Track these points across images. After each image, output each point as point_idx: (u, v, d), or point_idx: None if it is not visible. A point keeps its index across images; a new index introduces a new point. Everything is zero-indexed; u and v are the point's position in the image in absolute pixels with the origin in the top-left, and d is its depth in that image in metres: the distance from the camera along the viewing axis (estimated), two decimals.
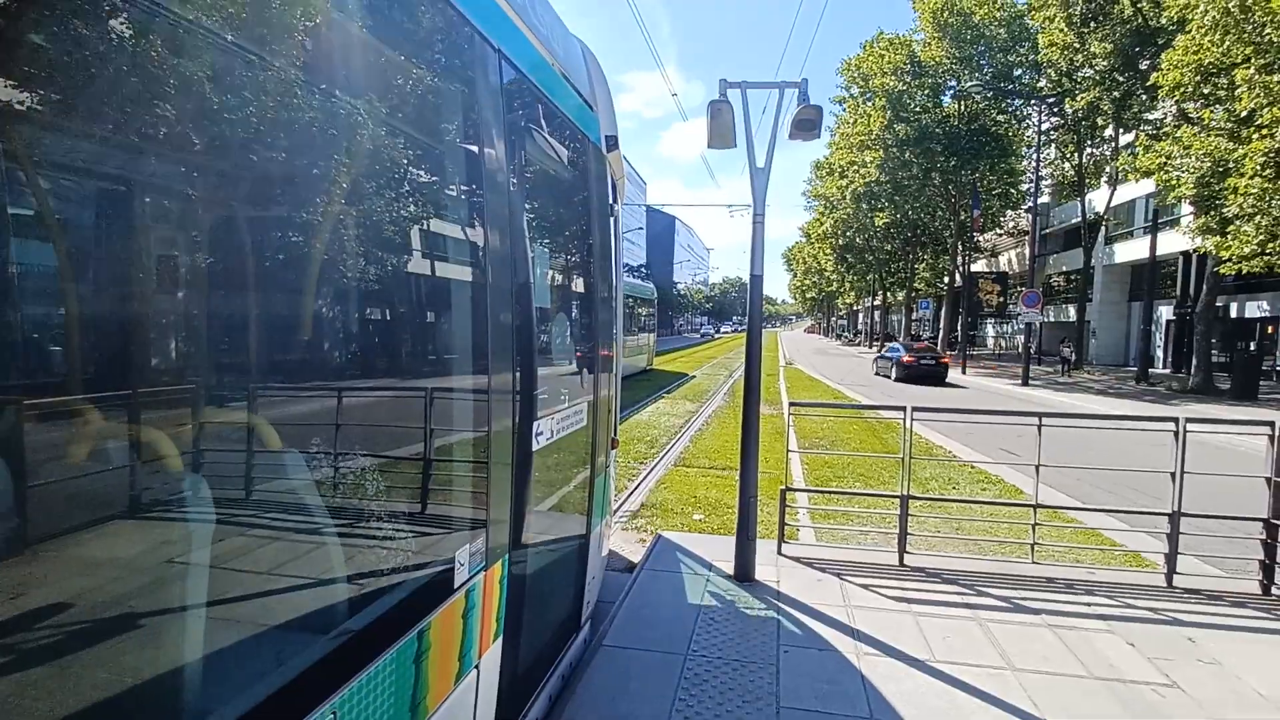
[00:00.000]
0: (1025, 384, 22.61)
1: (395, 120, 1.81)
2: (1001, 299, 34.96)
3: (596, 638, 3.92)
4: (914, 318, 47.29)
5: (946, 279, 36.50)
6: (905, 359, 23.44)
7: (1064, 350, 27.72)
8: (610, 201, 3.90)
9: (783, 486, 5.61)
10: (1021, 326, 26.78)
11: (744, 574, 4.80)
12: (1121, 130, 26.01)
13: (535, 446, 2.55)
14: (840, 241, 44.99)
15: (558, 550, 3.25)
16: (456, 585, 1.99)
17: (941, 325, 35.60)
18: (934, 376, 23.05)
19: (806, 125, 4.42)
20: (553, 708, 3.22)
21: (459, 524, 2.12)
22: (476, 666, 2.19)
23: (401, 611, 1.73)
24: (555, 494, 3.13)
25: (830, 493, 6.98)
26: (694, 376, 24.73)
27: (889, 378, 24.21)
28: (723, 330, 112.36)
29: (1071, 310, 33.12)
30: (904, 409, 5.27)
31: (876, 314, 59.13)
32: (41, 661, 0.99)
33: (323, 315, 1.62)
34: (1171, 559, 4.83)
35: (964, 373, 27.32)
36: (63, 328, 1.02)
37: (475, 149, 2.17)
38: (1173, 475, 4.84)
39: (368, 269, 1.75)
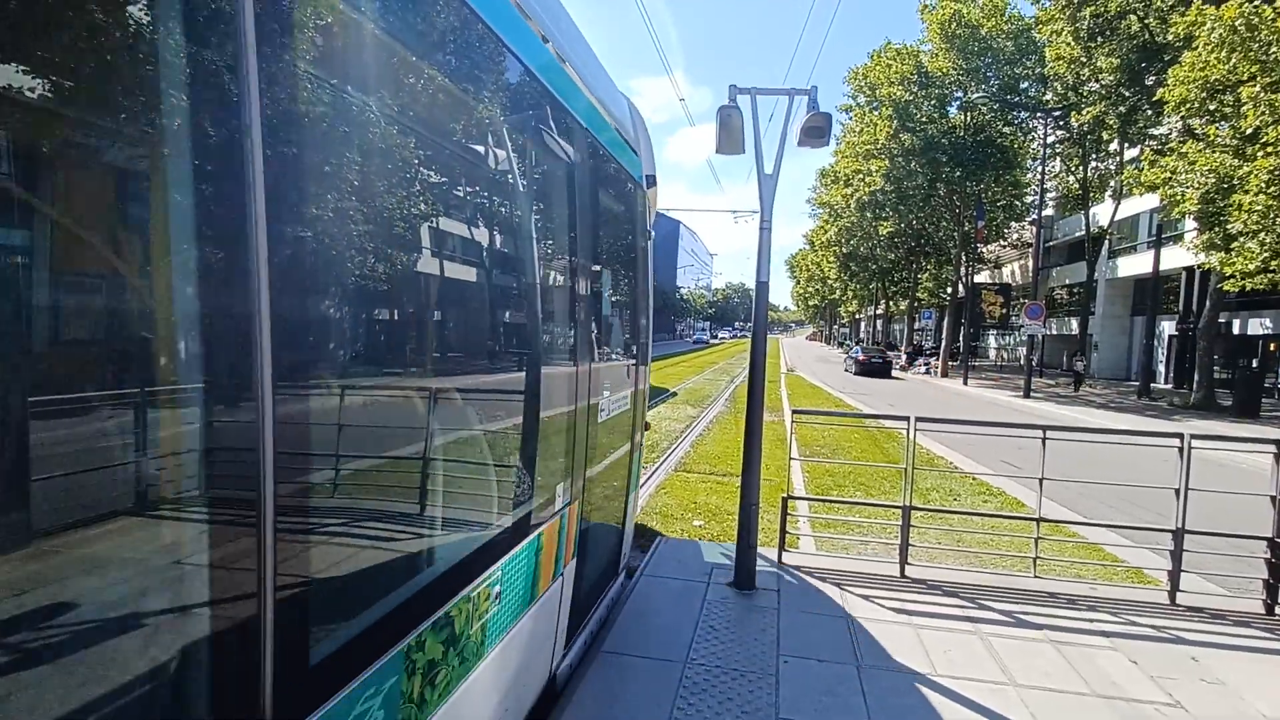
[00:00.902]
0: (1027, 396, 22.56)
1: (524, 182, 2.65)
2: (1004, 310, 34.92)
3: (596, 643, 3.90)
4: (916, 327, 47.25)
5: (950, 289, 36.48)
6: (860, 358, 32.07)
7: (1076, 364, 27.03)
8: (648, 227, 4.73)
9: (784, 494, 5.59)
10: (1024, 339, 26.75)
11: (744, 582, 4.77)
12: (1126, 145, 26.00)
13: (600, 420, 3.56)
14: (844, 249, 44.92)
15: (609, 502, 4.15)
16: (556, 510, 2.94)
17: (944, 335, 35.53)
18: (881, 371, 30.92)
19: (815, 132, 4.41)
20: (592, 641, 3.95)
21: (558, 469, 2.97)
22: (561, 574, 3.12)
23: (530, 520, 2.61)
24: (609, 459, 3.96)
25: (832, 502, 6.95)
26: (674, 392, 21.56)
27: (851, 372, 31.96)
28: (720, 335, 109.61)
29: (1074, 323, 33.08)
30: (908, 419, 5.25)
31: (879, 323, 59.09)
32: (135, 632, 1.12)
33: (490, 324, 2.68)
34: (1175, 576, 4.80)
35: (965, 384, 27.28)
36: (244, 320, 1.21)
37: (570, 202, 3.03)
38: (1177, 491, 4.81)
39: (512, 288, 2.72)
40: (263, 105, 1.17)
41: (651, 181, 4.62)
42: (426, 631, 1.84)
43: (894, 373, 33.20)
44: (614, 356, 4.13)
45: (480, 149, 2.42)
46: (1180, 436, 4.83)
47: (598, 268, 3.61)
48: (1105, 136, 25.52)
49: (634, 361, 4.48)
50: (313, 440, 1.44)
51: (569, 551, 3.21)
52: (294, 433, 1.35)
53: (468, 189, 2.47)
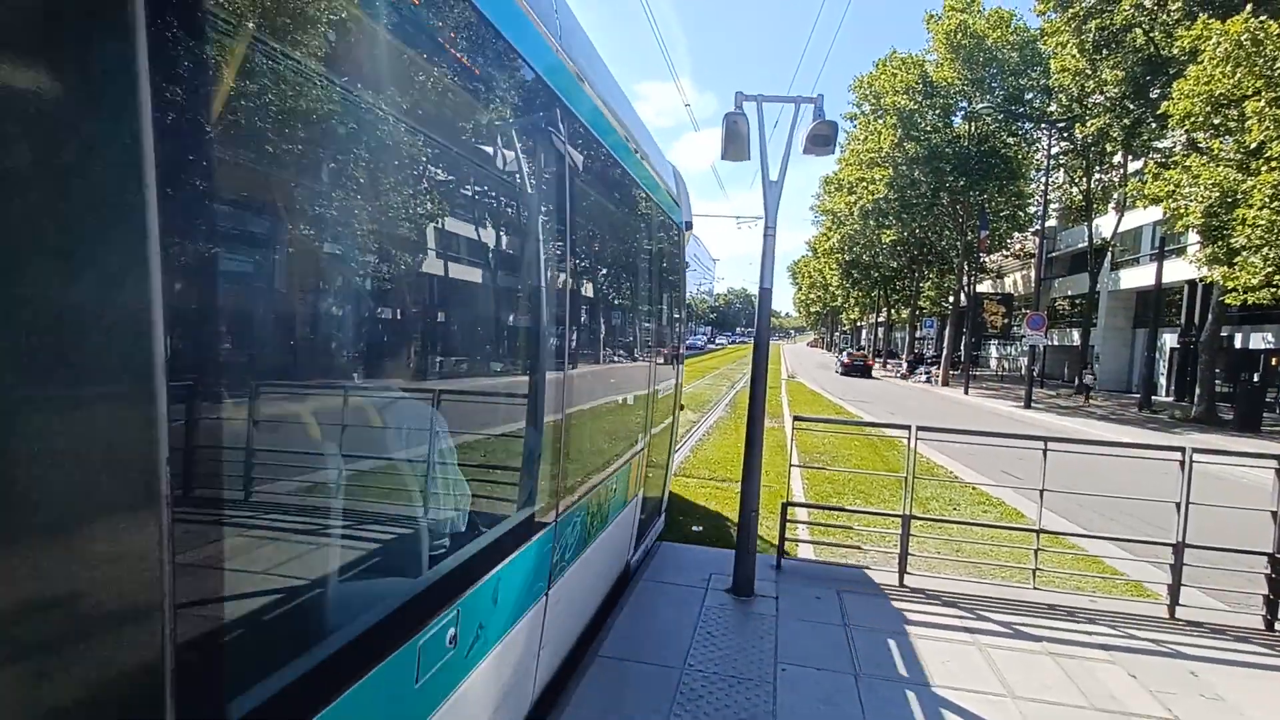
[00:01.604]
0: (1028, 406, 22.55)
1: (616, 233, 4.16)
2: (1006, 320, 34.90)
3: (593, 647, 3.88)
4: (918, 336, 47.25)
5: (952, 298, 36.50)
6: (845, 361, 39.44)
7: (1085, 377, 26.59)
8: (684, 259, 6.45)
9: (784, 501, 5.58)
10: (1025, 349, 26.73)
11: (743, 588, 4.75)
12: (1130, 157, 26.02)
13: (659, 397, 5.23)
14: (847, 257, 44.98)
15: (659, 455, 5.64)
16: (637, 450, 4.51)
17: (945, 344, 35.53)
18: (862, 371, 37.76)
19: (821, 141, 4.41)
20: (639, 567, 5.25)
21: (640, 424, 4.65)
22: (636, 497, 4.70)
23: (629, 453, 4.22)
24: (662, 424, 5.58)
25: (832, 509, 6.93)
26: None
27: (838, 372, 38.75)
28: (718, 341, 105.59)
29: (1075, 334, 33.08)
30: (909, 428, 5.25)
31: (880, 331, 59.08)
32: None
33: (612, 331, 4.08)
34: (1174, 590, 4.78)
35: (966, 393, 27.26)
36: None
37: (646, 247, 4.80)
38: (1178, 505, 4.80)
39: (625, 306, 4.41)
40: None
41: (689, 226, 6.20)
42: (599, 489, 3.59)
43: (897, 381, 34.48)
44: (666, 355, 5.86)
45: (606, 218, 3.90)
46: (1182, 450, 4.82)
47: (659, 290, 5.47)
48: (1109, 149, 25.55)
49: (676, 359, 6.23)
50: (514, 397, 2.60)
51: (640, 481, 4.86)
52: (455, 403, 2.24)
53: (601, 242, 3.92)
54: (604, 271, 4.10)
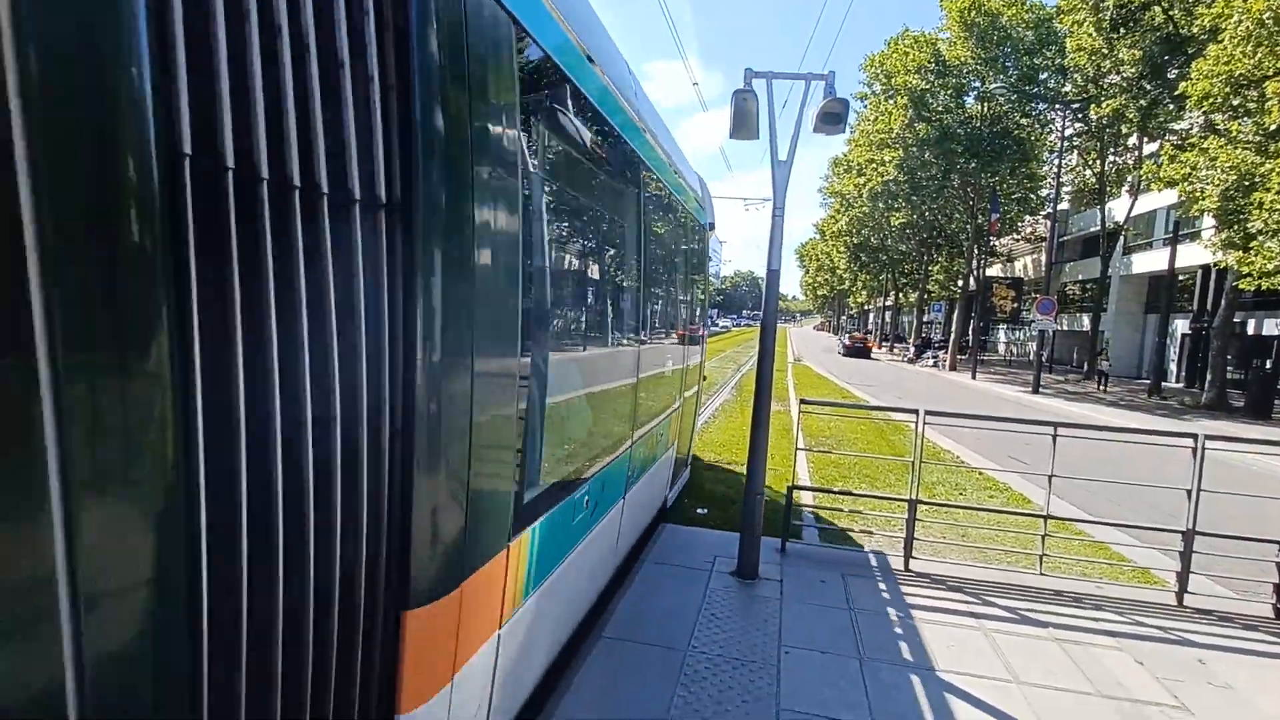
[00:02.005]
0: (1036, 392, 22.42)
1: (666, 238, 5.42)
2: (1015, 305, 34.57)
3: (597, 629, 3.88)
4: (925, 320, 46.93)
5: (961, 282, 36.18)
6: (847, 343, 42.83)
7: (1101, 364, 25.89)
8: (709, 255, 8.10)
9: (789, 484, 5.55)
10: (1034, 334, 26.51)
11: (747, 571, 4.75)
12: (1146, 139, 25.59)
13: (690, 365, 6.59)
14: (855, 240, 44.60)
15: (687, 415, 6.84)
16: (675, 407, 5.79)
17: (953, 329, 35.27)
18: (863, 353, 40.30)
19: (832, 119, 4.31)
20: (672, 506, 6.46)
21: (678, 385, 5.92)
22: (672, 445, 5.79)
23: (672, 406, 5.61)
24: (692, 388, 7.03)
25: (837, 493, 6.91)
26: None
27: (840, 353, 41.88)
28: (719, 323, 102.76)
29: (1085, 320, 32.80)
30: (916, 412, 5.19)
31: (888, 314, 58.73)
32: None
33: (667, 314, 5.64)
34: (1183, 577, 4.74)
35: (974, 378, 27.12)
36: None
37: (685, 246, 6.21)
38: (1188, 492, 4.74)
39: (674, 296, 6.06)
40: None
41: (712, 227, 7.64)
42: (653, 430, 4.72)
43: (903, 365, 34.44)
44: (696, 334, 7.22)
45: (662, 229, 5.15)
46: (1195, 437, 4.76)
47: (693, 280, 6.97)
48: (1124, 130, 25.15)
49: (700, 339, 7.55)
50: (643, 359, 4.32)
51: (676, 434, 6.04)
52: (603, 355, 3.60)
53: (653, 245, 4.78)
54: (658, 267, 5.09)
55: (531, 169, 2.39)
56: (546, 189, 2.67)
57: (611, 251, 3.89)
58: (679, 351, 6.01)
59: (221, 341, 1.20)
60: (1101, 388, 24.77)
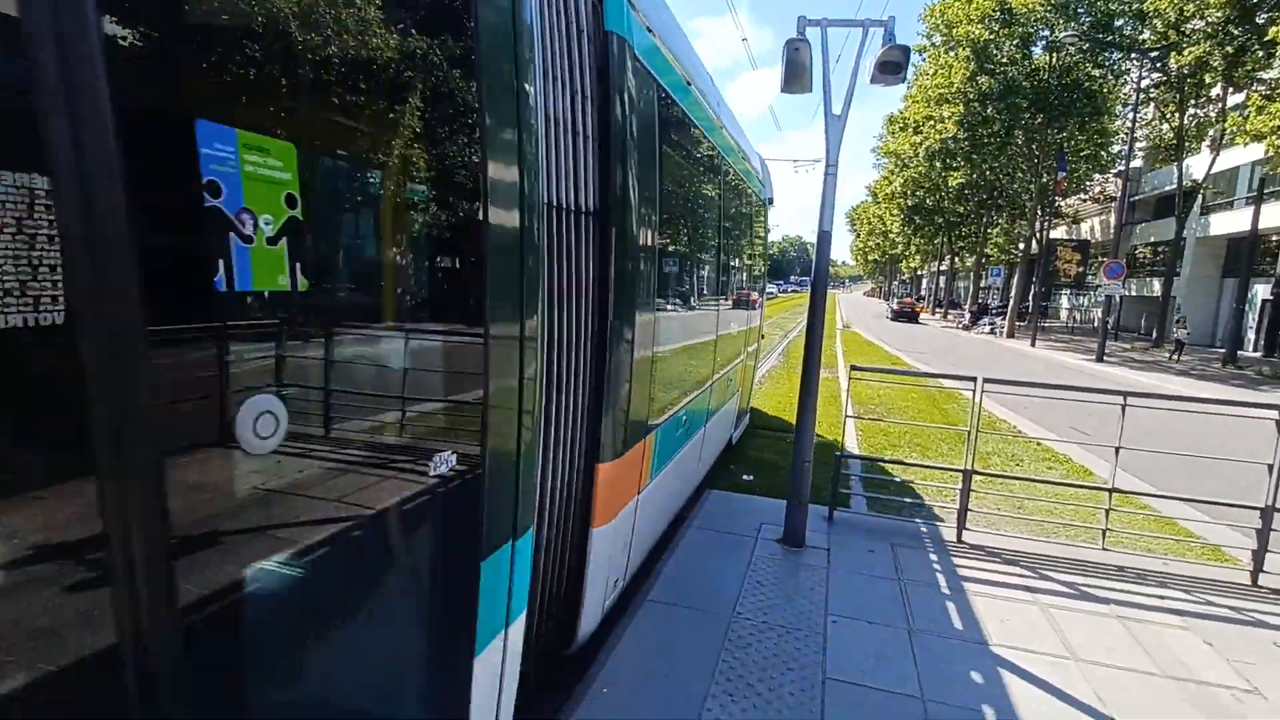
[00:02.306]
0: (1100, 360, 21.43)
1: (738, 215, 6.40)
2: (1081, 269, 32.85)
3: (641, 591, 3.91)
4: (982, 285, 45.16)
5: (1022, 245, 34.52)
6: (895, 307, 44.75)
7: (1178, 332, 23.67)
8: (768, 226, 9.10)
9: (838, 452, 5.44)
10: (1100, 299, 25.20)
11: (794, 539, 4.70)
12: (1231, 89, 23.61)
13: (752, 324, 7.79)
14: (909, 202, 42.89)
15: (749, 369, 7.91)
16: (741, 359, 6.91)
17: (1012, 294, 33.82)
18: (910, 318, 42.19)
19: (891, 68, 4.07)
20: (736, 445, 7.68)
21: (744, 343, 7.07)
22: (737, 392, 6.92)
23: (738, 359, 6.76)
24: (753, 345, 8.09)
25: (887, 462, 6.75)
26: None
27: (888, 318, 43.70)
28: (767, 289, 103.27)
29: (1156, 284, 31.01)
30: (974, 379, 4.99)
31: (942, 279, 56.71)
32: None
33: (743, 281, 7.00)
34: (1259, 556, 4.49)
35: (1033, 345, 26.07)
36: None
37: (751, 219, 7.26)
38: (1270, 467, 4.46)
39: (735, 264, 6.49)
40: None
41: (770, 202, 8.69)
42: (723, 377, 5.76)
43: (958, 332, 33.42)
44: (757, 298, 8.23)
45: (737, 208, 6.20)
46: (1279, 409, 4.44)
47: (757, 249, 8.09)
48: (1207, 80, 23.17)
49: (761, 302, 8.67)
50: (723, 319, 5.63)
51: (740, 382, 7.09)
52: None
53: (730, 225, 5.90)
54: (733, 243, 6.20)
55: (665, 183, 3.46)
56: (672, 194, 3.75)
57: (706, 233, 5.06)
58: (745, 314, 7.07)
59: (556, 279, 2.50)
60: (1174, 357, 23.21)
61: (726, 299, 5.91)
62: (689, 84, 3.92)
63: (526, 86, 1.85)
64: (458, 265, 1.76)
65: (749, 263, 7.44)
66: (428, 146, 1.55)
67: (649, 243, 3.15)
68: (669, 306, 3.85)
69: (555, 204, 2.43)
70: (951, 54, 28.76)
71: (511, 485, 1.93)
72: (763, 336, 9.38)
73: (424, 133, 1.52)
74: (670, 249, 3.79)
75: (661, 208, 3.38)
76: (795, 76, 4.25)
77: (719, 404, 5.81)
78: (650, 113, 3.12)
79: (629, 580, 3.81)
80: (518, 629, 2.07)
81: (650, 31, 3.17)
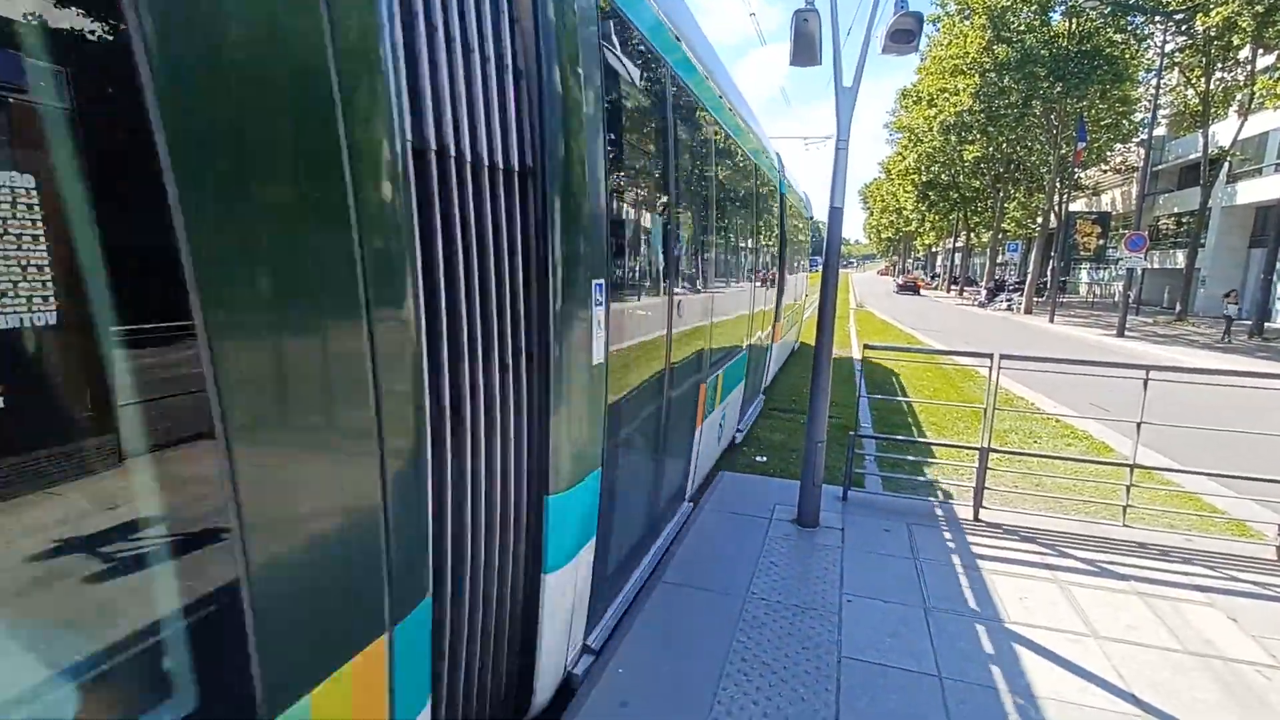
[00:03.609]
0: (1121, 335, 21.06)
1: (772, 211, 8.50)
2: (1101, 242, 32.19)
3: (655, 574, 3.91)
4: (999, 261, 44.44)
5: (1040, 219, 33.87)
6: (900, 281, 52.34)
7: (1228, 308, 21.33)
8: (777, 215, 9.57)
9: (852, 432, 5.39)
10: (1121, 272, 24.68)
11: (808, 519, 4.67)
12: (1261, 51, 22.86)
13: (790, 303, 10.86)
14: (923, 177, 42.14)
15: (775, 335, 9.14)
16: (770, 320, 8.60)
17: (1030, 270, 33.24)
18: (913, 290, 48.38)
19: (903, 36, 3.95)
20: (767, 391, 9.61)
21: (771, 313, 8.60)
22: (769, 348, 8.86)
23: (770, 322, 8.58)
24: (784, 319, 10.12)
25: (902, 441, 6.69)
26: None
27: (894, 291, 49.02)
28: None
29: (1180, 256, 30.34)
30: (990, 356, 4.91)
31: (957, 256, 55.88)
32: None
33: (772, 263, 8.64)
34: None
35: (1052, 321, 25.68)
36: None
37: (777, 214, 9.02)
38: None
39: (753, 248, 7.34)
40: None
41: (812, 218, 13.26)
42: (759, 338, 7.46)
43: (973, 309, 33.20)
44: (789, 275, 10.05)
45: (766, 219, 7.97)
46: None
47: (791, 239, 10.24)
48: (1236, 41, 22.43)
49: (795, 277, 11.38)
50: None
51: (776, 334, 9.10)
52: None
53: (774, 223, 8.70)
54: (728, 215, 6.25)
55: (626, 138, 3.04)
56: (635, 153, 3.26)
57: (739, 223, 6.31)
58: (747, 298, 6.99)
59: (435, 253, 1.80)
60: (1226, 337, 21.10)
61: (746, 273, 6.41)
62: (677, 37, 3.51)
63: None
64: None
65: (756, 243, 7.29)
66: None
67: (602, 211, 2.49)
68: (651, 285, 3.40)
69: (463, 154, 1.83)
70: (966, 23, 28.05)
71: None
72: (777, 322, 9.61)
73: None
74: (653, 220, 3.34)
75: (629, 167, 3.02)
76: (804, 48, 4.14)
77: (759, 364, 7.95)
78: (619, 59, 2.63)
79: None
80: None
81: None
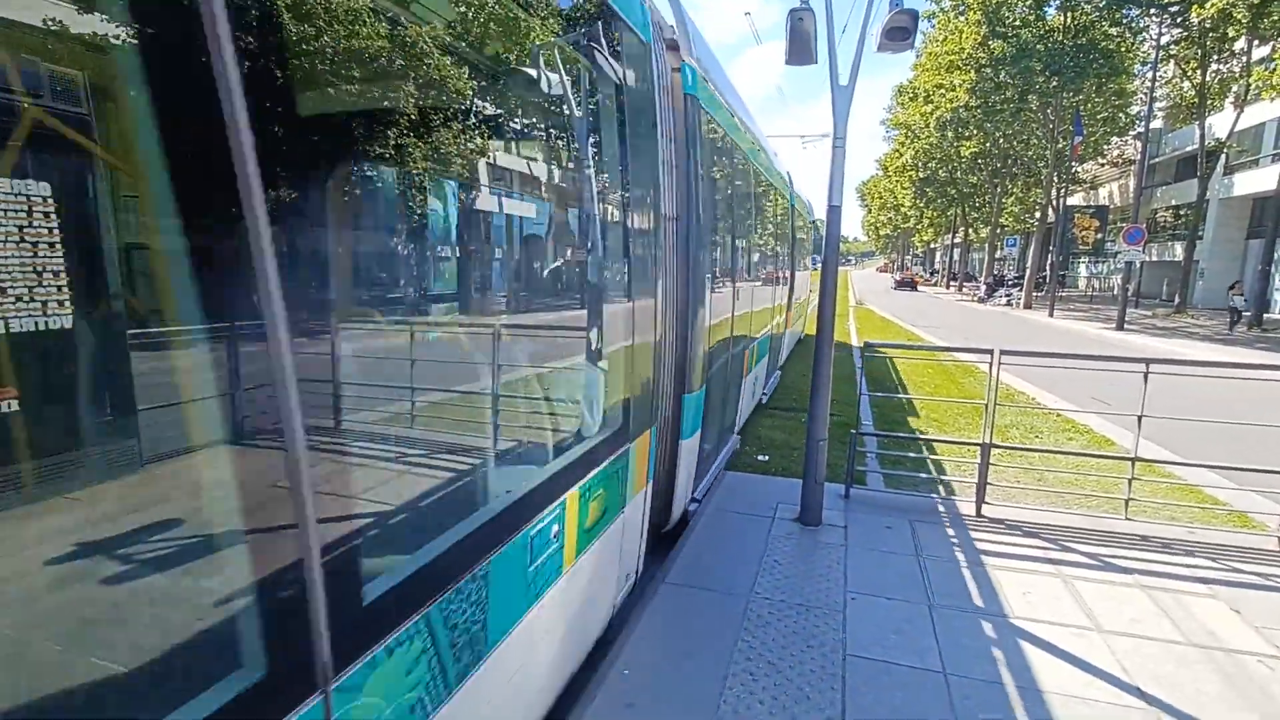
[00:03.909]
0: (1120, 328, 21.07)
1: (784, 223, 10.48)
2: (1099, 236, 32.18)
3: (659, 577, 3.92)
4: (998, 256, 44.43)
5: (1038, 214, 33.88)
6: (897, 278, 54.45)
7: (1234, 299, 21.03)
8: (799, 233, 12.65)
9: (853, 430, 5.40)
10: (1119, 266, 24.68)
11: (810, 518, 4.68)
12: (1256, 42, 22.88)
13: (798, 300, 13.53)
14: (921, 174, 42.17)
15: (789, 322, 11.80)
16: (780, 315, 10.27)
17: (1029, 264, 33.22)
18: (910, 286, 49.86)
19: (899, 34, 3.96)
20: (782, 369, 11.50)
21: (784, 306, 10.60)
22: (782, 332, 10.89)
23: (776, 315, 9.79)
24: (795, 309, 13.03)
25: (903, 438, 6.70)
26: None
27: (891, 287, 51.12)
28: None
29: (1178, 249, 30.34)
30: (990, 352, 4.91)
31: (955, 252, 55.91)
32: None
33: (781, 266, 10.32)
34: None
35: (1050, 315, 25.69)
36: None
37: (794, 231, 11.55)
38: None
39: (780, 251, 10.21)
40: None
41: (794, 210, 11.71)
42: (774, 327, 9.44)
43: (973, 304, 33.23)
44: (799, 271, 12.67)
45: (782, 228, 10.23)
46: None
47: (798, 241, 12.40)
48: (1231, 33, 22.45)
49: (802, 274, 14.26)
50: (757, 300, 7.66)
51: (781, 339, 10.66)
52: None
53: (787, 233, 10.76)
54: (767, 226, 8.69)
55: (717, 188, 5.00)
56: (721, 195, 5.26)
57: (746, 222, 6.78)
58: (784, 287, 9.79)
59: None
60: (1233, 329, 20.88)
61: (767, 273, 8.74)
62: (732, 113, 5.41)
63: (668, 143, 3.60)
64: (655, 255, 3.37)
65: (781, 247, 10.05)
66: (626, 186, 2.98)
67: (709, 236, 4.44)
68: (722, 282, 5.20)
69: (666, 214, 3.61)
70: (961, 18, 28.10)
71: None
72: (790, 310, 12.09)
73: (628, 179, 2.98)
74: (722, 240, 5.23)
75: (715, 208, 4.77)
76: (800, 47, 4.15)
77: (774, 345, 9.66)
78: (709, 140, 4.38)
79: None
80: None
81: (708, 82, 4.35)
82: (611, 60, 2.67)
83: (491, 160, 2.15)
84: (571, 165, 2.68)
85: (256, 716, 1.14)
